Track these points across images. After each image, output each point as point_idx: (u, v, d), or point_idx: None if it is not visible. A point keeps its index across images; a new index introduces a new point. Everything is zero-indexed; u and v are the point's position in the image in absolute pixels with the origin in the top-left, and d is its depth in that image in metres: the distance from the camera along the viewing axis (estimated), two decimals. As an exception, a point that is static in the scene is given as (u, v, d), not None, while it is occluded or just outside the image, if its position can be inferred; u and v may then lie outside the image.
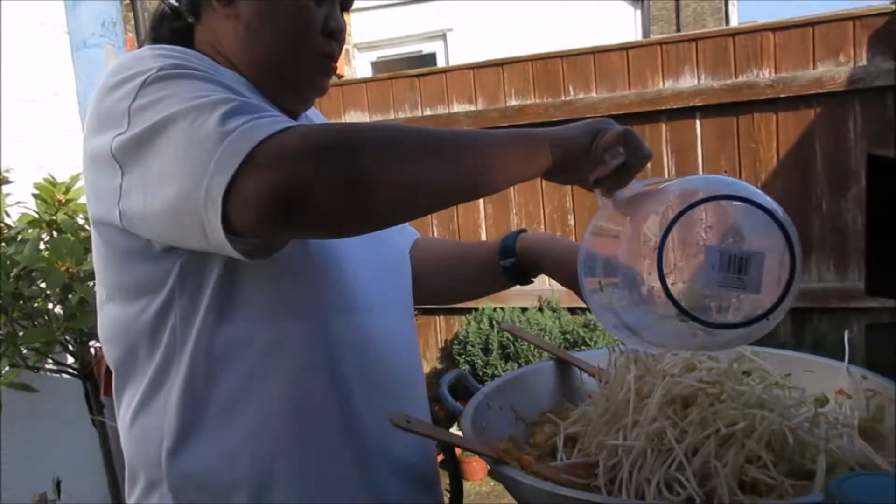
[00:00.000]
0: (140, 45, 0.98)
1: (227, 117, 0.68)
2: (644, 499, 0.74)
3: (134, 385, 0.87)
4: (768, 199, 0.66)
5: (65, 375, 2.33)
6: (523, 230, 1.10)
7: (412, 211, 0.76)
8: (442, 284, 1.15)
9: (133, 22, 3.30)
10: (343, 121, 4.22)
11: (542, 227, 3.82)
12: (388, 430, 0.83)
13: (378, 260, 0.96)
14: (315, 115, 1.10)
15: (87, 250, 2.09)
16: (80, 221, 2.23)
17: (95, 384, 2.23)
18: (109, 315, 0.88)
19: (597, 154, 0.81)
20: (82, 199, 2.26)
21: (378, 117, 4.12)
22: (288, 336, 0.85)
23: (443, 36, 5.81)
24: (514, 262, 1.07)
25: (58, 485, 2.27)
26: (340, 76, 5.01)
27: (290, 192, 0.65)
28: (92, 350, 2.23)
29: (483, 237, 3.93)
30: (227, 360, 0.83)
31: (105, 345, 0.91)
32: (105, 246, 0.85)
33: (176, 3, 0.93)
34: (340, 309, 0.88)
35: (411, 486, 0.95)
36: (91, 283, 2.06)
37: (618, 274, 0.75)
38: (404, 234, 1.14)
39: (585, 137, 0.82)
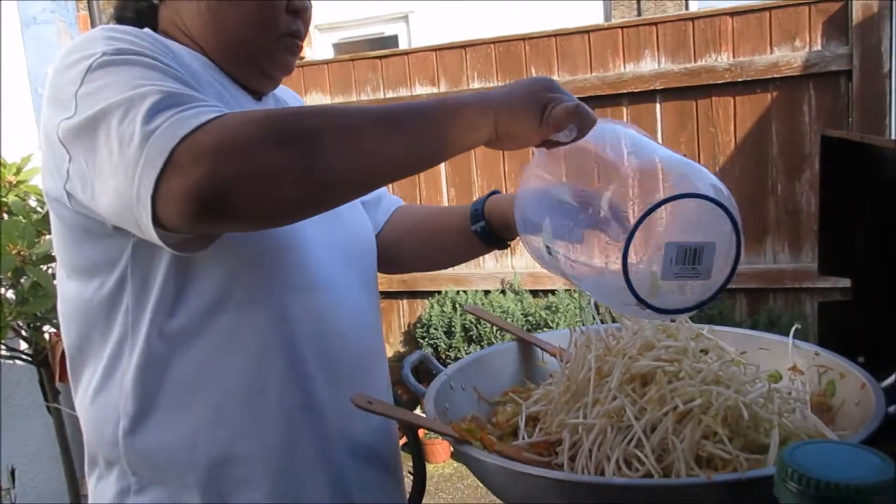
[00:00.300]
0: (93, 23, 0.96)
1: (152, 112, 0.68)
2: (604, 475, 0.75)
3: (91, 365, 0.87)
4: (719, 183, 0.69)
5: (18, 362, 2.28)
6: (495, 192, 1.07)
7: (331, 200, 0.75)
8: (419, 252, 1.13)
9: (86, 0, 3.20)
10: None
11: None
12: (349, 411, 0.83)
13: (338, 239, 0.95)
14: (287, 93, 1.09)
15: (40, 233, 2.04)
16: (33, 204, 2.17)
17: (50, 370, 2.19)
18: (67, 293, 0.87)
19: (546, 128, 0.78)
20: (34, 181, 2.20)
21: (339, 99, 4.07)
22: (244, 318, 0.84)
23: (405, 18, 5.75)
24: (485, 226, 1.04)
25: (12, 473, 2.22)
26: (301, 57, 4.94)
27: (212, 191, 0.65)
28: (46, 336, 2.18)
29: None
30: (183, 341, 0.83)
31: (63, 324, 0.90)
32: (60, 223, 0.84)
33: None
34: (297, 290, 0.87)
35: (372, 467, 0.96)
36: (44, 267, 2.01)
37: (553, 225, 0.78)
38: (380, 207, 1.13)
39: (534, 110, 0.78)
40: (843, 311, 0.97)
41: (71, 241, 0.84)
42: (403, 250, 1.11)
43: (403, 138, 0.74)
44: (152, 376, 0.83)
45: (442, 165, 3.76)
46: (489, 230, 1.04)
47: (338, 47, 6.04)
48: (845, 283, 1.01)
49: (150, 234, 0.69)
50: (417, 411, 0.93)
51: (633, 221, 0.64)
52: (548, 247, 0.79)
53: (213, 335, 0.83)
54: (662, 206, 0.65)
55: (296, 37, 0.93)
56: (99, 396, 0.86)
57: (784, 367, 0.95)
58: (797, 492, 0.31)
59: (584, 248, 0.75)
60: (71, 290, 0.87)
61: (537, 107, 0.78)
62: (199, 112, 0.68)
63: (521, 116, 0.77)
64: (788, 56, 3.25)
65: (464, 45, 3.83)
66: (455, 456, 0.89)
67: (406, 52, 4.01)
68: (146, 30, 0.87)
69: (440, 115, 0.76)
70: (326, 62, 4.18)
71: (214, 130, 0.66)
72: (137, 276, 0.81)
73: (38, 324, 2.15)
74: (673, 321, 0.83)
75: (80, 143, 0.73)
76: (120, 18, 0.94)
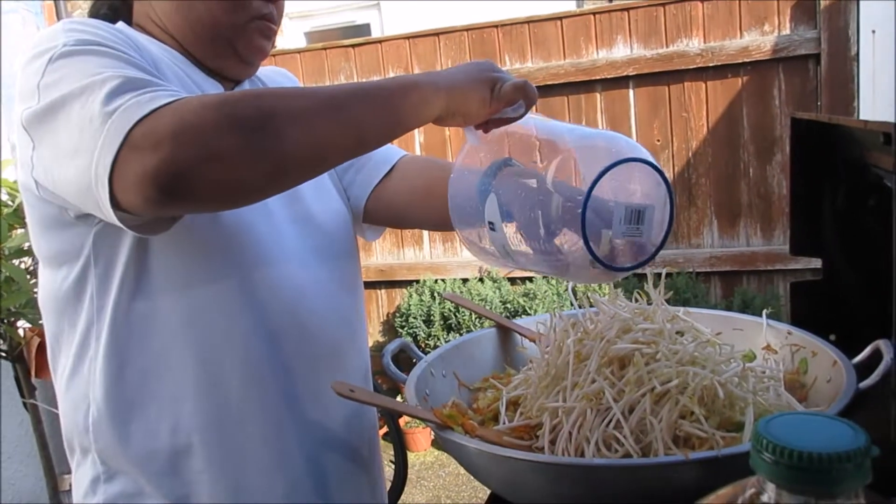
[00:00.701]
0: (58, 11, 0.97)
1: (111, 96, 0.68)
2: (584, 457, 0.76)
3: (65, 353, 0.89)
4: (649, 155, 0.75)
5: (-8, 358, 2.24)
6: None
7: (290, 180, 0.75)
8: (422, 214, 1.09)
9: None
10: (277, 92, 4.13)
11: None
12: (320, 400, 0.85)
13: (304, 218, 0.95)
14: (279, 74, 1.08)
15: (11, 227, 2.01)
16: (4, 197, 2.13)
17: (26, 366, 2.16)
18: (42, 282, 0.89)
19: (497, 103, 0.81)
20: (5, 174, 2.16)
21: (313, 88, 4.04)
22: (206, 303, 0.85)
23: (377, 5, 5.71)
24: None
25: (-11, 472, 2.20)
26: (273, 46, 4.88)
27: (170, 174, 0.65)
28: (21, 331, 2.15)
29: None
30: (146, 329, 0.84)
31: (42, 314, 0.92)
32: (31, 211, 0.85)
33: None
34: (260, 271, 0.88)
35: (344, 458, 0.97)
36: (16, 261, 1.98)
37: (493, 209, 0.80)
38: (371, 162, 1.07)
39: (483, 88, 0.81)
40: (814, 291, 0.99)
41: (40, 230, 0.85)
42: (408, 211, 1.08)
43: (359, 117, 0.74)
44: (116, 364, 0.84)
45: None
46: None
47: (310, 36, 5.99)
48: (816, 263, 1.03)
49: (110, 215, 0.70)
50: (399, 399, 0.94)
51: (585, 187, 0.69)
52: (491, 229, 0.80)
53: (174, 321, 0.84)
54: (607, 173, 0.71)
55: (268, 20, 0.92)
56: (71, 384, 0.88)
57: (758, 347, 0.97)
58: (772, 462, 0.32)
59: (535, 224, 0.77)
60: (44, 279, 0.88)
61: (487, 84, 0.81)
62: (156, 96, 0.68)
63: (472, 93, 0.80)
64: (758, 40, 3.28)
65: (437, 33, 3.82)
66: (436, 443, 0.90)
67: (379, 41, 3.99)
68: (117, 24, 0.88)
69: (395, 94, 0.77)
70: (299, 51, 4.14)
71: (172, 114, 0.66)
72: (101, 263, 0.83)
73: (12, 319, 2.12)
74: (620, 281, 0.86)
75: (42, 129, 0.74)
76: (94, 15, 0.95)
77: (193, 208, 0.76)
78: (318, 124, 0.71)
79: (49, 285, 0.87)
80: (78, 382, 0.87)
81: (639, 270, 0.78)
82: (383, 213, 1.07)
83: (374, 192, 1.06)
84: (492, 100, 0.80)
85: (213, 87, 0.93)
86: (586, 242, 0.71)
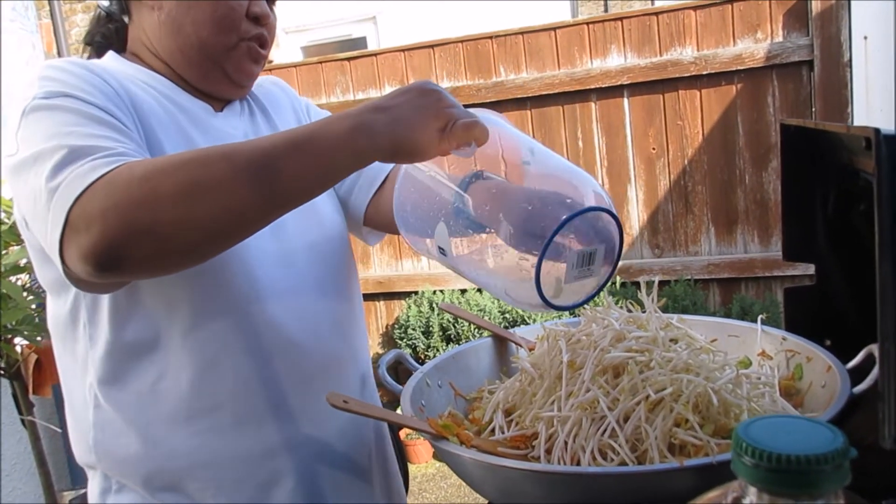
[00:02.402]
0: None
1: (56, 170, 0.72)
2: (580, 466, 0.76)
3: (69, 378, 0.92)
4: (601, 190, 0.75)
5: (-11, 376, 2.24)
6: None
7: (218, 246, 0.74)
8: None
9: (48, 8, 3.16)
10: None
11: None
12: (316, 415, 0.86)
13: (289, 244, 0.95)
14: (274, 84, 1.09)
15: (7, 244, 2.01)
16: (1, 216, 2.14)
17: (24, 383, 2.16)
18: (48, 308, 0.93)
19: (447, 144, 0.74)
20: (2, 192, 2.17)
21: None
22: (196, 331, 0.86)
23: (373, 19, 5.74)
24: None
25: (-12, 490, 2.19)
26: (270, 61, 4.90)
27: (102, 251, 0.69)
28: (18, 348, 2.15)
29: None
30: (136, 356, 0.86)
31: (52, 336, 0.95)
32: (27, 242, 0.88)
33: (108, 4, 0.95)
34: (247, 300, 0.89)
35: (343, 471, 0.97)
36: (13, 279, 1.99)
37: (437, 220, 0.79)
38: (367, 170, 1.05)
39: (431, 128, 0.73)
40: (808, 296, 0.99)
41: (36, 260, 0.88)
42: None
43: (289, 175, 0.71)
44: (111, 389, 0.87)
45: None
46: None
47: (306, 50, 6.02)
48: (814, 269, 1.03)
49: (68, 281, 0.76)
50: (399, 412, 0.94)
51: (543, 236, 0.69)
52: (441, 252, 0.80)
53: (167, 349, 0.86)
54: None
55: (258, 42, 0.93)
56: (75, 407, 0.91)
57: (753, 353, 0.97)
58: (752, 465, 0.32)
59: (483, 251, 0.78)
60: (49, 307, 0.92)
61: (437, 122, 0.73)
62: (95, 166, 0.71)
63: (419, 133, 0.73)
64: (751, 48, 3.30)
65: (432, 45, 3.84)
66: (438, 455, 0.90)
67: (374, 53, 4.00)
68: (103, 59, 0.92)
69: (329, 146, 0.72)
70: (295, 65, 4.16)
71: (102, 190, 0.69)
72: (88, 295, 0.85)
73: (9, 336, 2.12)
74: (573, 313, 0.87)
75: (14, 182, 0.79)
76: (89, 42, 0.98)
77: (133, 278, 0.80)
78: (241, 192, 0.69)
79: (52, 311, 0.91)
80: (79, 405, 0.90)
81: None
82: (382, 220, 1.07)
83: (371, 201, 1.07)
84: (441, 140, 0.73)
85: (200, 110, 0.94)
86: (540, 293, 0.72)
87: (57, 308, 0.89)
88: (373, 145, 0.72)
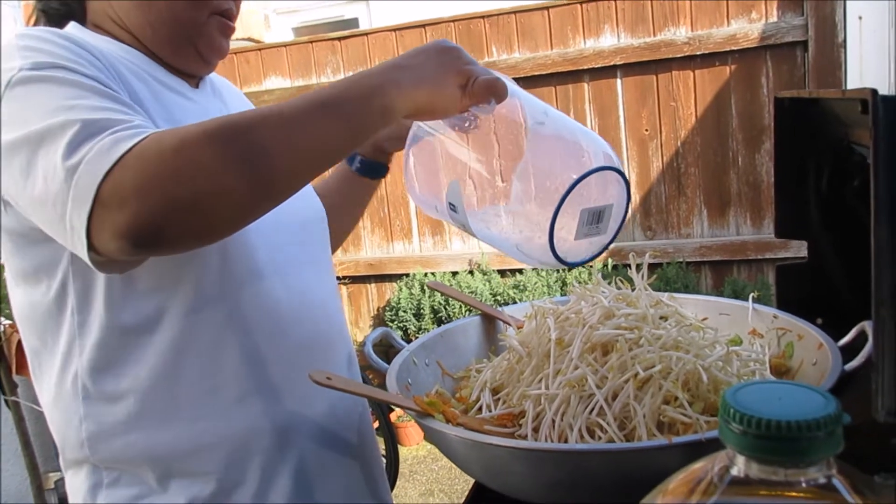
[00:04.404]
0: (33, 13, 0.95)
1: (72, 147, 0.67)
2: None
3: (47, 371, 0.87)
4: (610, 150, 0.77)
5: (-29, 357, 2.22)
6: None
7: (257, 212, 0.72)
8: (335, 216, 1.10)
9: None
10: (263, 87, 4.11)
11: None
12: (307, 395, 0.84)
13: (285, 220, 0.93)
14: (221, 82, 1.07)
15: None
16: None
17: (7, 363, 2.13)
18: (17, 299, 0.88)
19: (468, 102, 0.76)
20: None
21: (300, 82, 4.02)
22: (194, 315, 0.84)
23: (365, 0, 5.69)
24: (361, 159, 1.10)
25: (-26, 472, 2.17)
26: (258, 41, 4.86)
27: (140, 228, 0.65)
28: (0, 327, 2.13)
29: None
30: (131, 342, 0.83)
31: (20, 328, 0.90)
32: (4, 227, 0.83)
33: None
34: (245, 280, 0.87)
35: (333, 451, 0.96)
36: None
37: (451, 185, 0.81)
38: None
39: (454, 84, 0.75)
40: (800, 274, 0.98)
41: (13, 246, 0.83)
42: (330, 218, 1.09)
43: (320, 136, 0.71)
44: (105, 376, 0.83)
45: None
46: (367, 162, 1.10)
47: (297, 31, 5.95)
48: (806, 252, 1.02)
49: (88, 262, 0.70)
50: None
51: (557, 193, 0.72)
52: (452, 209, 0.81)
53: (164, 334, 0.83)
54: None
55: (226, 17, 0.92)
56: (58, 401, 0.87)
57: (744, 332, 0.96)
58: (740, 433, 0.31)
59: (496, 207, 0.79)
60: (20, 297, 0.87)
61: (458, 78, 0.75)
62: (117, 139, 0.67)
63: (442, 90, 0.74)
64: (745, 28, 3.27)
65: (423, 25, 3.80)
66: (428, 437, 0.89)
67: (365, 33, 3.96)
68: (66, 30, 0.87)
69: (355, 103, 0.72)
70: (285, 45, 4.11)
71: (135, 164, 0.65)
72: (79, 278, 0.81)
73: (-10, 315, 2.10)
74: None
75: (5, 164, 0.73)
76: (45, 10, 0.93)
77: (170, 253, 0.77)
78: (281, 154, 0.69)
79: (26, 303, 0.86)
80: (64, 399, 0.86)
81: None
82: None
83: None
84: (463, 96, 0.75)
85: (179, 85, 0.92)
86: (552, 249, 0.73)
87: (34, 297, 0.84)
88: (398, 103, 0.73)
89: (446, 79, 0.74)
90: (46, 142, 0.68)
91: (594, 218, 0.75)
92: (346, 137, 0.73)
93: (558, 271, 3.57)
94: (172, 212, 0.65)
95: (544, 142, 0.79)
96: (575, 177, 0.71)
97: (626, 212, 0.78)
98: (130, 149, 0.66)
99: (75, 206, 0.66)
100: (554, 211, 0.71)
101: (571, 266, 0.79)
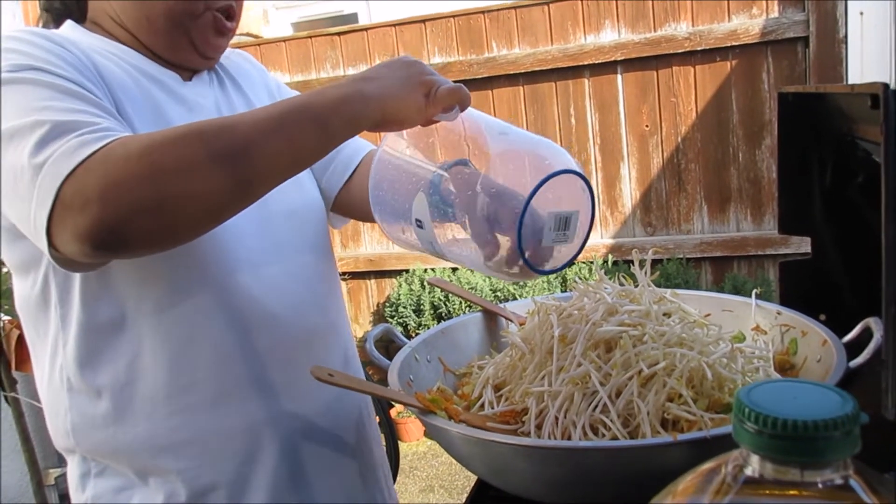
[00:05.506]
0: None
1: (39, 145, 0.69)
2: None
3: (39, 361, 0.90)
4: (573, 161, 0.78)
5: (-30, 352, 2.21)
6: None
7: (219, 218, 0.73)
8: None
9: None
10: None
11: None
12: (298, 390, 0.87)
13: (266, 215, 0.93)
14: (243, 58, 1.06)
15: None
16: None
17: (6, 359, 2.13)
18: (16, 292, 0.90)
19: (432, 108, 0.78)
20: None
21: (299, 77, 4.01)
22: (172, 308, 0.84)
23: (364, -6, 5.67)
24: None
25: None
26: (257, 36, 4.84)
27: (101, 231, 0.66)
28: (0, 323, 2.12)
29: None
30: (110, 335, 0.84)
31: (21, 320, 0.92)
32: None
33: None
34: (225, 273, 0.87)
35: (327, 448, 0.95)
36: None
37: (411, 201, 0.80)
38: (339, 156, 1.07)
39: (418, 94, 0.77)
40: (803, 270, 0.98)
41: (5, 241, 0.85)
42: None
43: (289, 140, 0.72)
44: (86, 370, 0.85)
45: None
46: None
47: (297, 26, 5.94)
48: (808, 247, 1.02)
49: (52, 260, 0.71)
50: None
51: (521, 197, 0.72)
52: (419, 226, 0.80)
53: (142, 326, 0.84)
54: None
55: (224, 14, 0.91)
56: (49, 391, 0.89)
57: (747, 328, 0.95)
58: (755, 432, 0.30)
59: (466, 224, 0.79)
60: (16, 287, 0.89)
61: (421, 89, 0.77)
62: (83, 141, 0.68)
63: (406, 100, 0.77)
64: (746, 23, 3.26)
65: (423, 20, 3.78)
66: (428, 433, 0.88)
67: (365, 28, 3.94)
68: (61, 29, 0.89)
69: (324, 111, 0.74)
70: (284, 40, 4.10)
71: (98, 167, 0.66)
72: (59, 273, 0.83)
73: (-10, 311, 2.09)
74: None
75: None
76: (47, 9, 0.94)
77: (131, 256, 0.78)
78: (247, 159, 0.70)
79: (20, 294, 0.88)
80: (54, 389, 0.88)
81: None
82: (353, 205, 1.08)
83: (345, 185, 1.07)
84: (427, 105, 0.77)
85: (170, 79, 0.92)
86: (522, 255, 0.73)
87: (25, 289, 0.87)
88: (366, 112, 0.75)
89: (410, 88, 0.77)
90: (16, 140, 0.70)
91: (561, 223, 0.76)
92: (313, 147, 0.75)
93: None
94: (134, 215, 0.66)
95: (508, 151, 0.80)
96: (539, 179, 0.72)
97: (593, 219, 0.79)
98: (95, 152, 0.67)
99: (38, 205, 0.67)
100: (520, 214, 0.71)
101: (542, 275, 0.78)
